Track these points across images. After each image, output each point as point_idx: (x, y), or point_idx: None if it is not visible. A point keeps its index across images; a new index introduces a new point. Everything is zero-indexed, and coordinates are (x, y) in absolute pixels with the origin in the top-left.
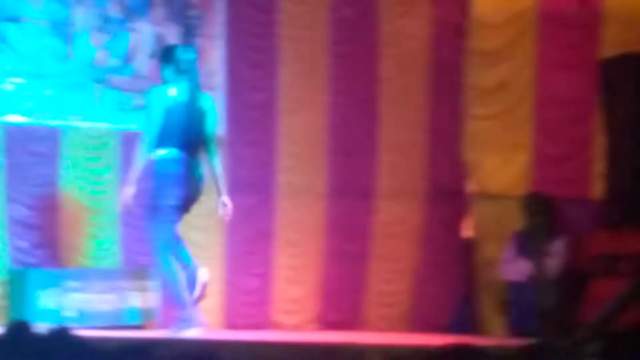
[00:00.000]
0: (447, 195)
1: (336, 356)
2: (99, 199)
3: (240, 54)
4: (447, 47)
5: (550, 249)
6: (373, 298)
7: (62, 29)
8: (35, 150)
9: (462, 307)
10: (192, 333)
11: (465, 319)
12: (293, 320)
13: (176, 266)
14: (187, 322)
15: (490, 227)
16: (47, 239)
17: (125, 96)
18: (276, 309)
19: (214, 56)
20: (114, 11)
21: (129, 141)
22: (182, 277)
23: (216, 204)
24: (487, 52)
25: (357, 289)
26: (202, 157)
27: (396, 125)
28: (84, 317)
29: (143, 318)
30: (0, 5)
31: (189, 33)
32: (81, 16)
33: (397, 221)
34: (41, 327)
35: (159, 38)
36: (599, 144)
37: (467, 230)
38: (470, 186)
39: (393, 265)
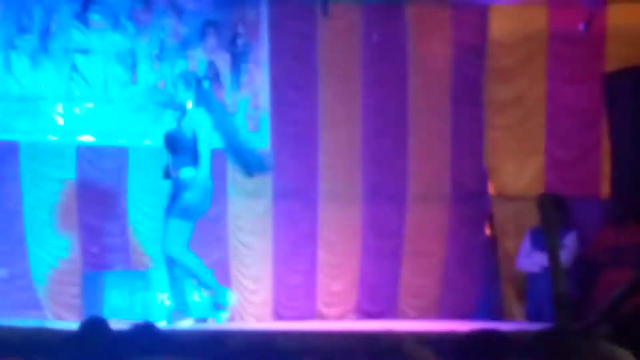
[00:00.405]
0: (471, 197)
1: (376, 342)
2: (160, 207)
3: (283, 77)
4: (468, 66)
5: (562, 242)
6: (406, 290)
7: (125, 58)
8: (103, 166)
9: (485, 297)
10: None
11: (488, 307)
12: (334, 311)
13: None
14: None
15: (509, 224)
16: (115, 244)
17: None
18: (319, 302)
19: (259, 79)
20: (171, 41)
21: None
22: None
23: (263, 210)
24: (504, 69)
25: (392, 282)
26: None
27: (423, 136)
28: (150, 313)
29: (206, 313)
30: (72, 39)
31: (238, 59)
32: (142, 46)
33: (426, 221)
34: (116, 322)
35: (211, 65)
36: (606, 148)
37: (489, 228)
38: (491, 189)
39: (423, 261)
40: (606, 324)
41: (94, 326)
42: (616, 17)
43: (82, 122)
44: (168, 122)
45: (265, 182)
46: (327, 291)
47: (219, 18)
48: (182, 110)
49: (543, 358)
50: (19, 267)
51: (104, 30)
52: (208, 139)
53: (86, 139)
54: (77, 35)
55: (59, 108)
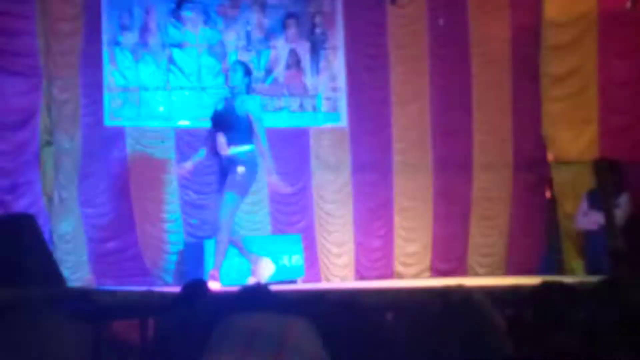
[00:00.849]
0: (531, 164)
1: (448, 297)
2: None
3: (358, 61)
4: (526, 44)
5: (617, 202)
6: (474, 250)
7: (216, 50)
8: (198, 147)
9: (548, 254)
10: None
11: (551, 264)
12: (411, 270)
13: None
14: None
15: (567, 188)
16: (212, 216)
17: (268, 100)
18: (396, 262)
19: (336, 64)
20: (256, 33)
21: (271, 136)
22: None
23: (344, 182)
24: (558, 46)
25: (461, 243)
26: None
27: (487, 109)
28: (245, 277)
29: (294, 274)
30: (169, 34)
31: (316, 46)
32: (231, 39)
33: (491, 187)
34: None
35: (293, 52)
36: None
37: (549, 192)
38: (549, 156)
39: (490, 223)
40: None
41: (195, 288)
42: None
43: (180, 109)
44: (215, 102)
45: (344, 157)
46: (403, 253)
47: (299, 10)
48: (236, 93)
49: (604, 305)
50: (128, 238)
51: (196, 25)
52: (261, 120)
53: (183, 123)
54: (173, 31)
55: (159, 97)
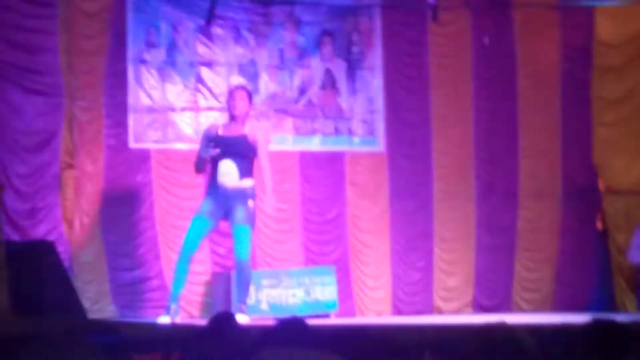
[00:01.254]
0: (581, 192)
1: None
2: (284, 210)
3: (396, 82)
4: (576, 65)
5: None
6: (520, 284)
7: (247, 69)
8: None
9: (598, 290)
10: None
11: (602, 300)
12: (451, 306)
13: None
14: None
15: (619, 219)
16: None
17: (300, 122)
18: (436, 297)
19: (374, 84)
20: (290, 52)
21: (306, 160)
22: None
23: (381, 210)
24: (611, 68)
25: (506, 277)
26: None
27: (534, 133)
28: (276, 309)
29: (326, 308)
30: (197, 52)
31: (353, 66)
32: (262, 58)
33: (538, 217)
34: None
35: (328, 72)
36: None
37: (600, 223)
38: (601, 184)
39: (536, 255)
40: None
41: (224, 321)
42: None
43: None
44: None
45: (381, 183)
46: (443, 286)
47: (335, 28)
48: (241, 118)
49: None
50: (152, 267)
51: (226, 43)
52: (266, 149)
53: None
54: (202, 49)
55: (186, 118)
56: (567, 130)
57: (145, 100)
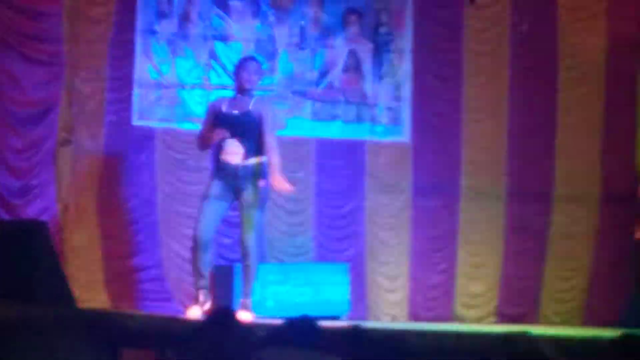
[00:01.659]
0: (621, 198)
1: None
2: (296, 201)
3: (426, 68)
4: (623, 59)
5: None
6: (549, 294)
7: (265, 47)
8: None
9: (633, 304)
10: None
11: (636, 315)
12: (473, 314)
13: None
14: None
15: None
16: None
17: (320, 107)
18: (457, 303)
19: (402, 69)
20: (312, 30)
21: (323, 148)
22: None
23: (402, 206)
24: None
25: (534, 286)
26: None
27: (572, 132)
28: (282, 308)
29: (337, 309)
30: (212, 26)
31: (380, 48)
32: (282, 35)
33: (572, 222)
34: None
35: (352, 54)
36: None
37: (639, 232)
38: None
39: (569, 264)
40: None
41: (222, 317)
42: None
43: None
44: (213, 100)
45: (404, 177)
46: (466, 292)
47: (362, 5)
48: (247, 93)
49: None
50: (150, 256)
51: (244, 17)
52: (275, 126)
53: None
54: (217, 22)
55: (197, 96)
56: (609, 130)
57: (152, 75)
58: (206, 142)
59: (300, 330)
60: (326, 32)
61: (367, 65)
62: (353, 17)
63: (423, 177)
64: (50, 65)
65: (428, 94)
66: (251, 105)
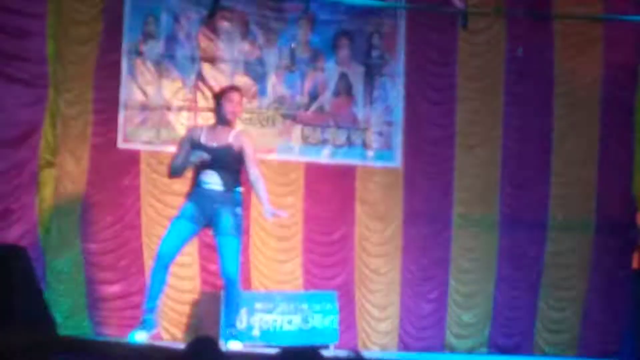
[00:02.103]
0: (617, 226)
1: None
2: (285, 227)
3: (419, 92)
4: (619, 86)
5: None
6: (543, 324)
7: (253, 69)
8: None
9: (629, 335)
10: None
11: (632, 347)
12: (464, 344)
13: None
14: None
15: None
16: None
17: (309, 131)
18: (448, 333)
19: (393, 94)
20: (302, 52)
21: (313, 173)
22: None
23: (393, 233)
24: None
25: (527, 315)
26: None
27: (567, 158)
28: (269, 336)
29: (325, 338)
30: (200, 48)
31: (372, 72)
32: (271, 57)
33: (567, 251)
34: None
35: (343, 77)
36: None
37: (636, 261)
38: (639, 218)
39: (563, 293)
40: None
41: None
42: None
43: None
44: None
45: (395, 203)
46: (457, 322)
47: (354, 28)
48: (225, 123)
49: None
50: (134, 282)
51: (232, 38)
52: (254, 158)
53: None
54: (205, 43)
55: (183, 118)
56: (605, 157)
57: (138, 97)
58: (183, 169)
59: None
60: (317, 55)
61: (358, 88)
62: (344, 40)
63: (414, 203)
64: (33, 87)
65: (420, 118)
66: (231, 138)
